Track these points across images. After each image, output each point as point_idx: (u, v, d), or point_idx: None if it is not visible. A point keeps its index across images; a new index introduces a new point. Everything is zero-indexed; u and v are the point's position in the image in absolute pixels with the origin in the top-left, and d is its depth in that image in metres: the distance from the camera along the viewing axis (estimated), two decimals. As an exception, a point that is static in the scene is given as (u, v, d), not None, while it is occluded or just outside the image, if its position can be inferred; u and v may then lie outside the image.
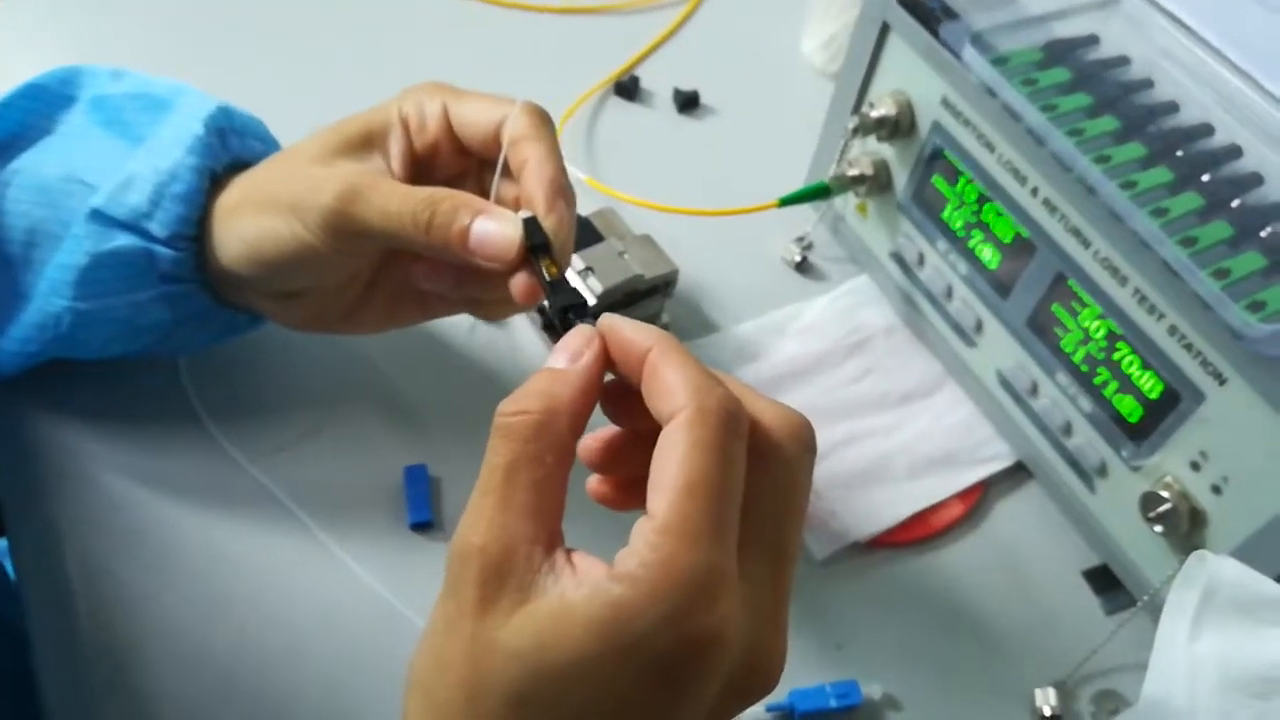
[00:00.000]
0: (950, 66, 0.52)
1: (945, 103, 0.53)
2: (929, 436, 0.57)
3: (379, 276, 0.47)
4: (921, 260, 0.59)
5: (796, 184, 0.62)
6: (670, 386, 0.29)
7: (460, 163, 0.44)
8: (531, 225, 0.39)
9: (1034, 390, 0.54)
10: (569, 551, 0.30)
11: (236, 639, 0.47)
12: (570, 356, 0.32)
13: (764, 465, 0.30)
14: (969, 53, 0.49)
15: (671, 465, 0.28)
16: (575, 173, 0.64)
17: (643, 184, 0.64)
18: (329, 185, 0.40)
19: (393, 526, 0.51)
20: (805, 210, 0.65)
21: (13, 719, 0.50)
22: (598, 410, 0.33)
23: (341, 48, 0.73)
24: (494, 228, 0.38)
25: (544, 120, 0.42)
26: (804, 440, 0.31)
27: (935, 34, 0.52)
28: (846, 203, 0.64)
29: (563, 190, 0.40)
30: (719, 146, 0.71)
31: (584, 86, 0.72)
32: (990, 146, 0.51)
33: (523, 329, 0.59)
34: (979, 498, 0.55)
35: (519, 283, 0.39)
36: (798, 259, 0.64)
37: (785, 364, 0.58)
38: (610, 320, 0.32)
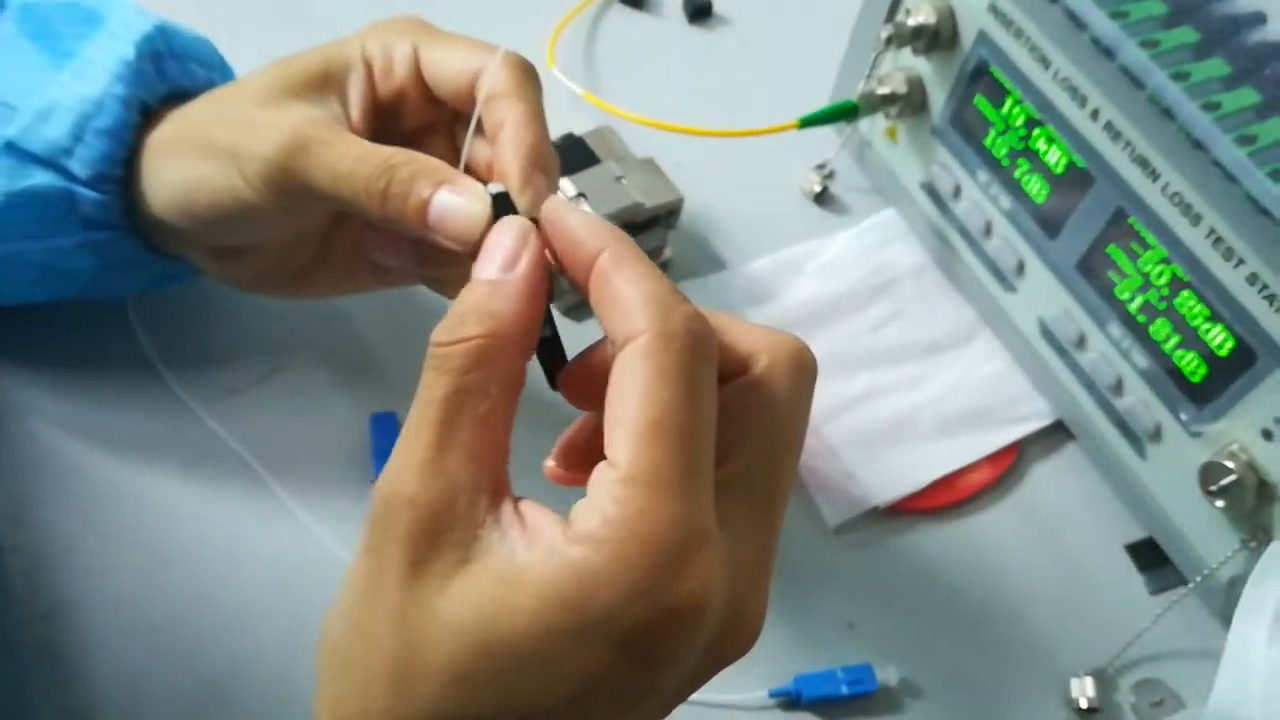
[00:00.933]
0: (1002, -33, 0.45)
1: (993, 9, 0.46)
2: (959, 391, 0.51)
3: (332, 238, 0.41)
4: (958, 192, 0.52)
5: (818, 104, 0.55)
6: (626, 302, 0.25)
7: (429, 114, 0.38)
8: (502, 201, 0.32)
9: (1081, 342, 0.48)
10: (516, 501, 0.25)
11: (181, 601, 0.43)
12: (504, 263, 0.27)
13: (756, 401, 0.26)
14: (1028, -52, 0.42)
15: (633, 400, 0.24)
16: (571, 86, 0.58)
17: (646, 101, 0.58)
18: (274, 134, 0.34)
19: (357, 482, 0.46)
20: (826, 135, 0.58)
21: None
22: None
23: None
24: (457, 203, 0.31)
25: (528, 76, 0.35)
26: (802, 365, 0.27)
27: (986, -72, 0.45)
28: (874, 126, 0.57)
29: (542, 161, 0.33)
30: (732, 61, 0.64)
31: (586, -9, 0.65)
32: (1045, 61, 0.45)
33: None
34: (1013, 460, 0.50)
35: None
36: (817, 189, 0.58)
37: (801, 306, 0.52)
38: (554, 208, 0.27)
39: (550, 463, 0.30)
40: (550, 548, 0.23)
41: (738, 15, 0.66)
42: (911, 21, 0.49)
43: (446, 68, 0.36)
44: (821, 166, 0.58)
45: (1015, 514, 0.49)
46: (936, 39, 0.49)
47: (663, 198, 0.51)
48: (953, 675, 0.44)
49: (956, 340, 0.53)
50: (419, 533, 0.24)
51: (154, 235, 0.41)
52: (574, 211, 0.27)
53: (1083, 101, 0.44)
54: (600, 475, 0.24)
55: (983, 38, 0.48)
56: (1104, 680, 0.44)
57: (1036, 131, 0.47)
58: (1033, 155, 0.47)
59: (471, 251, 0.31)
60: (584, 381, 0.28)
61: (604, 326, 0.26)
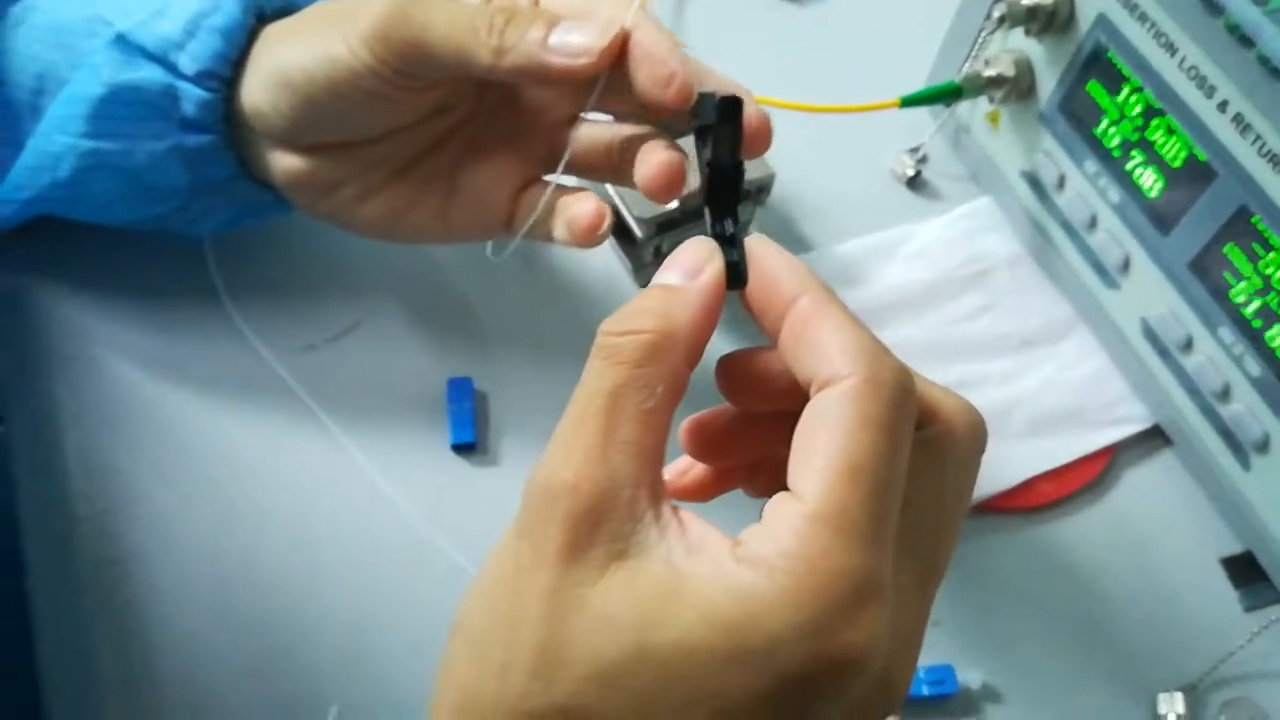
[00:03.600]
0: (1132, -55, 0.43)
1: (1118, -9, 0.44)
2: (1053, 389, 0.49)
3: (415, 165, 0.40)
4: (1062, 182, 0.50)
5: (910, 85, 0.53)
6: (829, 347, 0.25)
7: None
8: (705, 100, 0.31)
9: (1187, 345, 0.46)
10: (675, 507, 0.25)
11: (247, 557, 0.42)
12: (687, 272, 0.27)
13: (932, 460, 0.25)
14: (1168, -75, 0.40)
15: (832, 440, 0.23)
16: None
17: (735, 74, 0.56)
18: (378, 2, 0.34)
19: (431, 445, 0.45)
20: (920, 117, 0.56)
21: None
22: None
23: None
24: (576, 31, 0.33)
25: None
26: (979, 438, 0.26)
27: (1118, -96, 0.43)
28: (973, 110, 0.55)
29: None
30: (823, 38, 0.62)
31: (677, -40, 0.63)
32: (1171, 48, 0.42)
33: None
34: (1106, 464, 0.48)
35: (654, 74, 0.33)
36: (910, 173, 0.56)
37: (892, 292, 0.50)
38: (761, 244, 0.27)
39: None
40: (716, 564, 0.23)
41: (831, -11, 0.64)
42: (1027, 1, 0.47)
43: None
44: (915, 150, 0.56)
45: (1107, 520, 0.47)
46: (1052, 20, 0.47)
47: (755, 172, 0.49)
48: (1036, 682, 0.43)
49: (1051, 336, 0.51)
50: (579, 518, 0.23)
51: (248, 147, 0.40)
52: (775, 251, 0.27)
53: (1210, 91, 0.41)
54: (781, 506, 0.23)
55: (1102, 21, 0.46)
56: (1194, 697, 0.43)
57: (1155, 122, 0.44)
58: (1148, 146, 0.45)
59: (591, 73, 0.32)
60: (740, 373, 0.28)
61: (798, 368, 0.25)
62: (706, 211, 0.30)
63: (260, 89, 0.37)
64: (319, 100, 0.36)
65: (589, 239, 0.37)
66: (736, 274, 0.27)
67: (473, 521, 0.43)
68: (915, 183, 0.56)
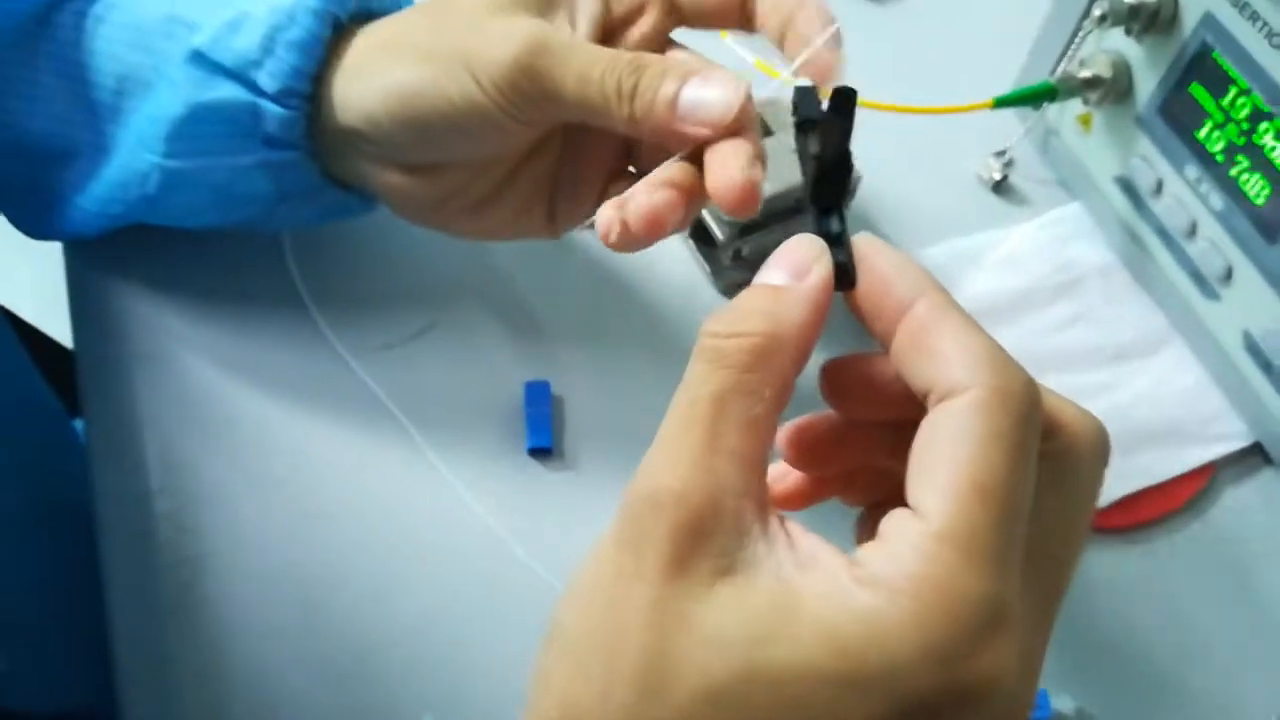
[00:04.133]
0: (1245, -59, 0.41)
1: (1228, -11, 0.42)
2: (1148, 403, 0.47)
3: (521, 173, 0.39)
4: (1159, 188, 0.48)
5: (997, 87, 0.51)
6: (951, 355, 0.23)
7: (663, 24, 0.36)
8: (806, 95, 0.31)
9: (1295, 359, 0.44)
10: (783, 518, 0.23)
11: (322, 559, 0.42)
12: (794, 271, 0.25)
13: (1057, 476, 0.24)
14: (1289, -82, 0.38)
15: (960, 456, 0.22)
16: (744, 54, 0.55)
17: (819, 74, 0.55)
18: (512, 39, 0.33)
19: (508, 449, 0.44)
20: (1008, 119, 0.54)
21: (72, 616, 0.46)
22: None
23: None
24: (710, 92, 0.32)
25: None
26: (1104, 452, 0.25)
27: (1232, -103, 0.41)
28: (1063, 113, 0.53)
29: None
30: (907, 37, 0.61)
31: (756, -42, 0.62)
32: (1286, 47, 0.41)
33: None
34: (1204, 484, 0.46)
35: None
36: (996, 177, 0.54)
37: (981, 299, 0.49)
38: (871, 244, 0.26)
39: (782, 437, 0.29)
40: (833, 583, 0.22)
41: (913, -10, 0.63)
42: (1130, -1, 0.45)
43: None
44: (1001, 153, 0.55)
45: (1205, 541, 0.45)
46: (1155, 20, 0.45)
47: (839, 175, 0.48)
48: (1131, 709, 0.41)
49: (1145, 348, 0.49)
50: (686, 529, 0.22)
51: (334, 157, 0.39)
52: (887, 251, 0.25)
53: (1328, 94, 0.40)
54: (902, 524, 0.22)
55: (1209, 20, 0.44)
56: (1300, 730, 0.41)
57: (1264, 126, 0.43)
58: (1256, 151, 0.43)
59: (717, 138, 0.32)
60: (848, 380, 0.27)
61: (914, 374, 0.24)
62: (811, 208, 0.28)
63: (360, 113, 0.36)
64: (433, 128, 0.35)
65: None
66: (845, 274, 0.26)
67: (549, 527, 0.43)
68: (1001, 187, 0.55)
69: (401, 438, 0.44)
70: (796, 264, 0.25)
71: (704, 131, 0.32)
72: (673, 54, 0.34)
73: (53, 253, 0.48)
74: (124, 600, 0.41)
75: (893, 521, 0.23)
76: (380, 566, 0.42)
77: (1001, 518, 0.22)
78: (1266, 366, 0.45)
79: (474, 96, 0.33)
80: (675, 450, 0.23)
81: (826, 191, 0.28)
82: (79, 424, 0.53)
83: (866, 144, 0.51)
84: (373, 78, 0.36)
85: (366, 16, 0.39)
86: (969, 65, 0.54)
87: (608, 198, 0.37)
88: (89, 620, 0.41)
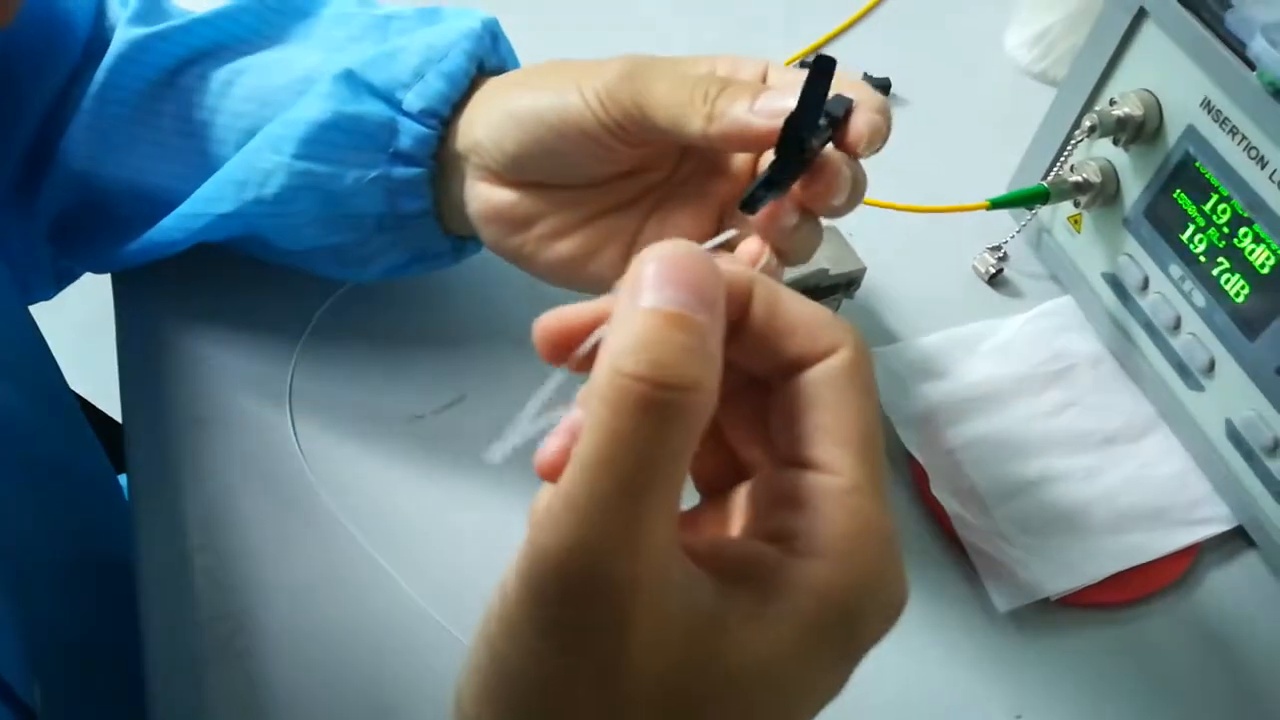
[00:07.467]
0: (1221, 63, 0.45)
1: (1206, 105, 0.46)
2: (1135, 487, 0.50)
3: (605, 216, 0.42)
4: (1145, 285, 0.51)
5: (991, 189, 0.55)
6: (811, 321, 0.25)
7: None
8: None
9: (1274, 448, 0.46)
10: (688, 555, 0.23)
11: (365, 617, 0.43)
12: (700, 297, 0.22)
13: (851, 383, 0.26)
14: (1259, 45, 0.42)
15: (848, 415, 0.24)
16: (757, 151, 0.59)
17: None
18: (615, 63, 0.38)
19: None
20: (1003, 217, 0.58)
21: (111, 668, 0.47)
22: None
23: None
24: (782, 98, 0.35)
25: None
26: (867, 351, 0.25)
27: (1208, 24, 0.45)
28: (1055, 214, 0.57)
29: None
30: (907, 141, 0.64)
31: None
32: (1261, 160, 0.44)
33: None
34: (1190, 564, 0.48)
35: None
36: (992, 271, 0.58)
37: (979, 385, 0.52)
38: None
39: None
40: (781, 579, 0.23)
41: (914, 97, 0.67)
42: (1117, 112, 0.49)
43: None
44: (997, 249, 0.58)
45: (1191, 620, 0.47)
46: (1141, 131, 0.49)
47: (846, 266, 0.51)
48: (1122, 780, 0.43)
49: (1133, 434, 0.52)
50: (641, 618, 0.21)
51: (445, 193, 0.43)
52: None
53: (1299, 203, 0.43)
54: (819, 486, 0.23)
55: (1190, 133, 0.47)
56: (1285, 804, 0.42)
57: (1243, 230, 0.46)
58: (1236, 254, 0.47)
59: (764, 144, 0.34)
60: (557, 332, 0.26)
61: (782, 350, 0.25)
62: (768, 169, 0.32)
63: (484, 125, 0.40)
64: (543, 139, 0.39)
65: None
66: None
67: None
68: (996, 280, 0.58)
69: (443, 499, 0.46)
70: (697, 286, 0.22)
71: (774, 123, 0.33)
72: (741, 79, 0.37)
73: (103, 321, 0.51)
74: (161, 653, 0.42)
75: (808, 486, 0.23)
76: (418, 624, 0.43)
77: (880, 454, 0.24)
78: (1248, 454, 0.48)
79: (576, 104, 0.38)
80: (622, 523, 0.20)
81: (788, 160, 0.32)
82: (123, 479, 0.55)
83: (871, 238, 0.55)
84: (496, 103, 0.41)
85: (499, 70, 0.44)
86: (967, 168, 0.58)
87: None
88: (128, 672, 0.43)
